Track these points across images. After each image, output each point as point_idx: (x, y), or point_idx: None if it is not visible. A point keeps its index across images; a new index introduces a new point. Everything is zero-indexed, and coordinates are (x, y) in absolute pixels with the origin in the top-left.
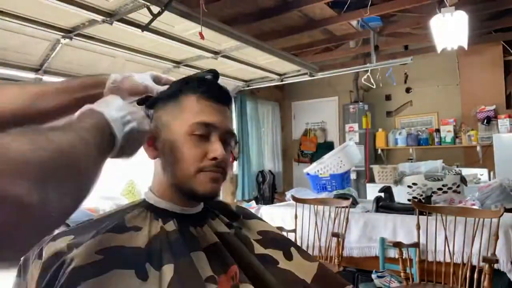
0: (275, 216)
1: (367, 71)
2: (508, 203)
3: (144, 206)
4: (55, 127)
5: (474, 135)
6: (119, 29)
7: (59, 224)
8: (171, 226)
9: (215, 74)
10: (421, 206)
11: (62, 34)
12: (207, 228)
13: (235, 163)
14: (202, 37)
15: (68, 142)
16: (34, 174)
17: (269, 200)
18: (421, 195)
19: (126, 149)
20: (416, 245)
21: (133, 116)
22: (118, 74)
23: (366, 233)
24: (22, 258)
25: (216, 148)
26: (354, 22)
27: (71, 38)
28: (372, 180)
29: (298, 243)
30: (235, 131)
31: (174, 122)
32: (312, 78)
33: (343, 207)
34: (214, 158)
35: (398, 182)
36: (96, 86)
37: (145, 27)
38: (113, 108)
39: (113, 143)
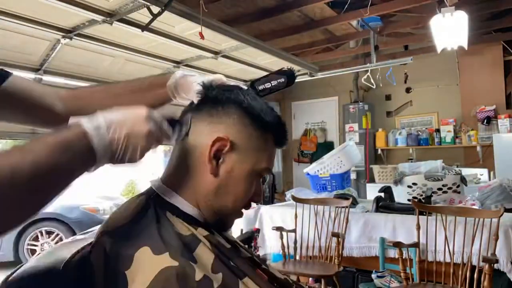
0: (275, 216)
1: (367, 71)
2: (508, 203)
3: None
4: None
5: (474, 135)
6: (119, 29)
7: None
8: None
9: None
10: (421, 206)
11: (62, 34)
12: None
13: None
14: (202, 37)
15: (9, 163)
16: None
17: (269, 200)
18: (421, 195)
19: (122, 156)
20: (416, 245)
21: (126, 121)
22: (181, 71)
23: (366, 233)
24: None
25: (260, 192)
26: (354, 22)
27: (71, 38)
28: (372, 180)
29: (298, 243)
30: None
31: (254, 154)
32: (312, 78)
33: (343, 207)
34: (256, 201)
35: (398, 182)
36: (162, 85)
37: (145, 27)
38: (102, 116)
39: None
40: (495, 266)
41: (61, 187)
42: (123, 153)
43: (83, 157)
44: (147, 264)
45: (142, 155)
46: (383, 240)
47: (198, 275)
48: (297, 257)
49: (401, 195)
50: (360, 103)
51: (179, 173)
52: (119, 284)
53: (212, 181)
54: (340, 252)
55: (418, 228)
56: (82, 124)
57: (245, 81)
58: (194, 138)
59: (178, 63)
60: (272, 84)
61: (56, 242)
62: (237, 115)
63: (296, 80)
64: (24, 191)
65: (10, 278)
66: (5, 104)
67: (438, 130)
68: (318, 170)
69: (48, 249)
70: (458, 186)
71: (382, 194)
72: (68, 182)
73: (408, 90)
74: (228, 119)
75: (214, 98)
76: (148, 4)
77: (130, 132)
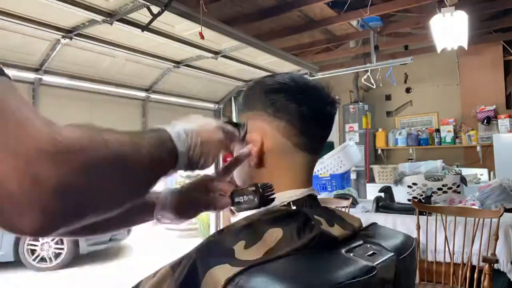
0: None
1: (367, 71)
2: (508, 203)
3: None
4: (116, 131)
5: (474, 135)
6: (119, 29)
7: (84, 215)
8: None
9: None
10: (421, 206)
11: (62, 34)
12: None
13: None
14: (202, 37)
15: (119, 143)
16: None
17: None
18: (421, 195)
19: (197, 163)
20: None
21: (201, 130)
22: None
23: None
24: None
25: None
26: (354, 22)
27: (71, 38)
28: (372, 180)
29: None
30: None
31: None
32: (312, 78)
33: (343, 207)
34: None
35: (398, 182)
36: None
37: (145, 27)
38: (180, 125)
39: (176, 158)
40: (495, 266)
41: (157, 179)
42: (198, 159)
43: (171, 158)
44: None
45: (213, 161)
46: None
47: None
48: None
49: (401, 195)
50: (360, 103)
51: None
52: None
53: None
54: None
55: (418, 228)
56: (166, 129)
57: (245, 81)
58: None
59: (178, 63)
60: (244, 200)
61: (56, 242)
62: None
63: None
64: (143, 169)
65: None
66: None
67: (438, 130)
68: (318, 170)
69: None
70: (458, 186)
71: (382, 194)
72: (162, 175)
73: (408, 90)
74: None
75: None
76: (148, 4)
77: (205, 141)
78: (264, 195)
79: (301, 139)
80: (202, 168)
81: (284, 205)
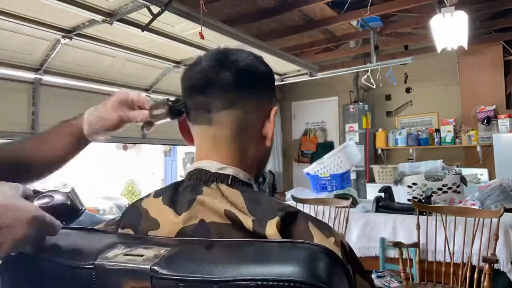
0: None
1: (367, 71)
2: (508, 203)
3: None
4: None
5: (474, 135)
6: (119, 29)
7: None
8: None
9: None
10: (421, 206)
11: (62, 34)
12: None
13: None
14: (202, 37)
15: None
16: None
17: None
18: (421, 195)
19: None
20: (416, 245)
21: None
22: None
23: (366, 233)
24: None
25: None
26: (354, 22)
27: (71, 38)
28: (372, 180)
29: None
30: None
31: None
32: (312, 78)
33: (343, 207)
34: None
35: (398, 182)
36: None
37: (145, 27)
38: None
39: None
40: (495, 266)
41: None
42: None
43: None
44: None
45: (10, 251)
46: (383, 240)
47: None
48: None
49: (401, 195)
50: (360, 103)
51: (237, 152)
52: None
53: (266, 149)
54: None
55: (418, 228)
56: None
57: None
58: (245, 115)
59: (178, 63)
60: (159, 112)
61: None
62: (272, 84)
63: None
64: None
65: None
66: None
67: (438, 130)
68: (318, 170)
69: None
70: (458, 186)
71: (382, 194)
72: None
73: (408, 90)
74: (270, 89)
75: (253, 68)
76: (148, 4)
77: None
78: (173, 107)
79: (190, 113)
80: None
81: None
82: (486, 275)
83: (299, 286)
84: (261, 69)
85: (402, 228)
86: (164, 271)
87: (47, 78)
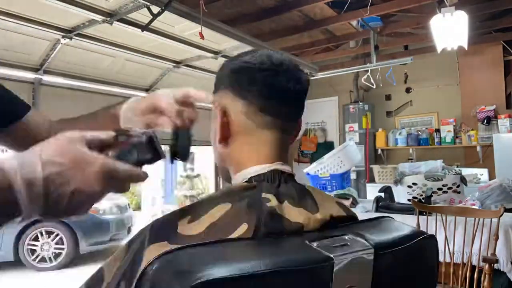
0: None
1: (367, 71)
2: (508, 203)
3: None
4: None
5: (474, 135)
6: (119, 29)
7: None
8: None
9: None
10: (421, 206)
11: (62, 34)
12: None
13: None
14: (202, 37)
15: None
16: None
17: None
18: (421, 195)
19: (64, 210)
20: None
21: (68, 178)
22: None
23: None
24: None
25: None
26: (354, 22)
27: (71, 38)
28: (372, 180)
29: None
30: None
31: None
32: (312, 78)
33: None
34: None
35: (398, 182)
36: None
37: (145, 27)
38: (37, 159)
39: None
40: (495, 266)
41: None
42: (66, 209)
43: (6, 209)
44: None
45: (89, 208)
46: None
47: None
48: None
49: (401, 195)
50: (360, 103)
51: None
52: None
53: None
54: None
55: (418, 228)
56: (13, 168)
57: None
58: (297, 125)
59: (178, 63)
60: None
61: (56, 243)
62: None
63: None
64: None
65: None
66: (23, 137)
67: (438, 130)
68: (318, 170)
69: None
70: (458, 186)
71: (382, 194)
72: None
73: (408, 90)
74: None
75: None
76: (148, 4)
77: (77, 190)
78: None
79: (263, 117)
80: (75, 214)
81: (246, 181)
82: (486, 275)
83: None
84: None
85: None
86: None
87: (47, 78)
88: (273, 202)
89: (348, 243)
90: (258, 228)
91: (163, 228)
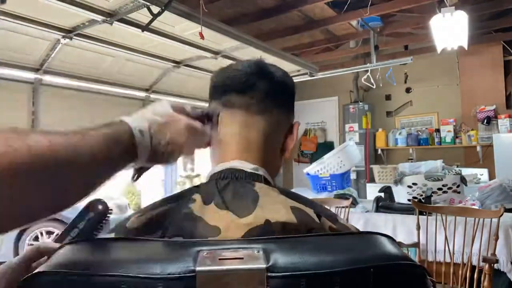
0: None
1: (367, 71)
2: (508, 203)
3: None
4: (52, 132)
5: (474, 135)
6: (119, 29)
7: (18, 222)
8: None
9: None
10: (421, 206)
11: (62, 34)
12: None
13: None
14: (202, 37)
15: (47, 146)
16: None
17: None
18: (421, 195)
19: (162, 157)
20: (416, 245)
21: (164, 130)
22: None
23: None
24: None
25: None
26: (354, 22)
27: (71, 38)
28: (372, 180)
29: None
30: None
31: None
32: (312, 78)
33: (343, 207)
34: None
35: (398, 182)
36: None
37: (145, 27)
38: (143, 116)
39: (135, 152)
40: (495, 266)
41: (106, 178)
42: (161, 158)
43: (128, 154)
44: None
45: (176, 160)
46: None
47: None
48: None
49: (401, 195)
50: (360, 103)
51: (264, 157)
52: None
53: (282, 162)
54: None
55: (418, 228)
56: (128, 123)
57: None
58: (275, 123)
59: (178, 63)
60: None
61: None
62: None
63: (296, 80)
64: (83, 172)
65: None
66: None
67: (438, 130)
68: (318, 170)
69: None
70: (458, 186)
71: (382, 194)
72: (111, 174)
73: (408, 90)
74: (292, 104)
75: (287, 80)
76: (148, 4)
77: (171, 141)
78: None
79: (226, 112)
80: (164, 165)
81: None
82: (486, 275)
83: (406, 267)
84: (291, 84)
85: (402, 228)
86: (281, 269)
87: (47, 78)
88: (197, 203)
89: (243, 257)
90: (164, 230)
91: (122, 221)
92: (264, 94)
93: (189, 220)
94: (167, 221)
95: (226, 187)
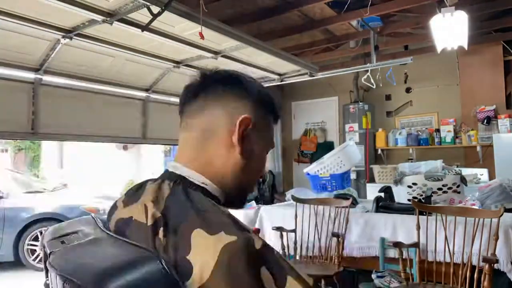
0: (275, 216)
1: (367, 71)
2: (508, 203)
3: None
4: None
5: (474, 135)
6: (119, 29)
7: None
8: None
9: None
10: (421, 206)
11: (62, 34)
12: None
13: None
14: (202, 37)
15: None
16: None
17: (269, 200)
18: (421, 195)
19: None
20: (416, 245)
21: None
22: None
23: (366, 233)
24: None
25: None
26: (354, 22)
27: (71, 38)
28: (372, 180)
29: (298, 243)
30: None
31: (268, 133)
32: (312, 78)
33: (343, 207)
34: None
35: (398, 182)
36: None
37: (145, 27)
38: None
39: None
40: (495, 266)
41: None
42: None
43: None
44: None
45: None
46: (383, 240)
47: (258, 244)
48: (297, 257)
49: (401, 195)
50: (360, 103)
51: (201, 156)
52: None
53: (239, 161)
54: (340, 252)
55: (418, 228)
56: None
57: None
58: (211, 121)
59: (178, 63)
60: None
61: None
62: (248, 98)
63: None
64: None
65: None
66: None
67: (438, 130)
68: (318, 170)
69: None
70: (458, 186)
71: (382, 194)
72: None
73: (408, 90)
74: (241, 101)
75: (223, 80)
76: (148, 4)
77: None
78: None
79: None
80: None
81: None
82: (486, 275)
83: None
84: (230, 79)
85: (402, 228)
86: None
87: (47, 78)
88: (118, 201)
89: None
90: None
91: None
92: (197, 94)
93: (107, 217)
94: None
95: (146, 187)
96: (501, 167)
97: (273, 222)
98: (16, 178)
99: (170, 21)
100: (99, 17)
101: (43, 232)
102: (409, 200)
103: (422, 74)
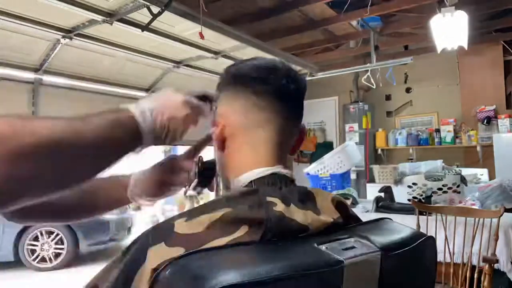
0: None
1: (367, 71)
2: (508, 203)
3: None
4: (54, 117)
5: (474, 135)
6: (119, 29)
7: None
8: None
9: None
10: (421, 206)
11: (62, 34)
12: None
13: None
14: (202, 37)
15: (51, 129)
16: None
17: None
18: (421, 195)
19: (165, 139)
20: None
21: (166, 107)
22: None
23: None
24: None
25: None
26: (354, 22)
27: (71, 38)
28: (372, 180)
29: None
30: None
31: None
32: (312, 78)
33: None
34: None
35: (398, 182)
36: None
37: (145, 27)
38: (145, 103)
39: (140, 136)
40: (495, 266)
41: (112, 160)
42: (165, 135)
43: (133, 136)
44: None
45: (182, 136)
46: None
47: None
48: None
49: (401, 195)
50: (360, 103)
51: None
52: None
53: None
54: None
55: (418, 228)
56: (130, 109)
57: None
58: (296, 129)
59: (178, 63)
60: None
61: (56, 243)
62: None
63: None
64: (87, 152)
65: None
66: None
67: (438, 130)
68: (318, 170)
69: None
70: (458, 186)
71: (382, 194)
72: (118, 157)
73: (408, 90)
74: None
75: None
76: (148, 4)
77: (171, 117)
78: (200, 172)
79: (259, 114)
80: (171, 142)
81: (245, 186)
82: (486, 275)
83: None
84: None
85: None
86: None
87: (47, 78)
88: (279, 205)
89: (355, 246)
90: (265, 232)
91: (160, 229)
92: (301, 100)
93: (283, 222)
94: (253, 224)
95: (286, 190)
96: (501, 167)
97: None
98: None
99: (170, 21)
100: (99, 17)
101: (43, 232)
102: (409, 200)
103: (422, 74)
